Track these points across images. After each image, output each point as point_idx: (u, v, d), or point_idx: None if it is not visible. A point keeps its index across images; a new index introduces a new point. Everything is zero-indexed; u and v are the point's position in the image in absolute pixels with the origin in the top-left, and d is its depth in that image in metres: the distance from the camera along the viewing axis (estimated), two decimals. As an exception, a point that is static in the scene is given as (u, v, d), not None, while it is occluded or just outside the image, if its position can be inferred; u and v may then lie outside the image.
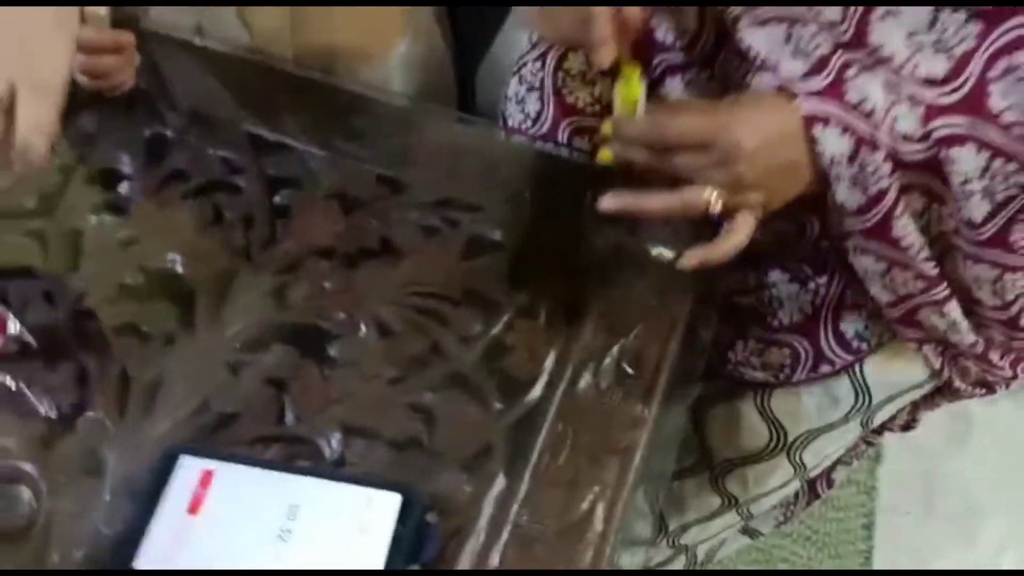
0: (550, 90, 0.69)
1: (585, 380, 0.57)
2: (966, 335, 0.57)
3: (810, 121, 0.49)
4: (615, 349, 0.58)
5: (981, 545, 1.07)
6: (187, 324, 0.59)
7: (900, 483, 1.07)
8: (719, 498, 0.77)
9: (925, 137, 0.49)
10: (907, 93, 0.48)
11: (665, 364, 0.58)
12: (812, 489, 0.90)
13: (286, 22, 0.79)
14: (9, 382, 0.56)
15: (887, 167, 0.50)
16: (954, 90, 0.48)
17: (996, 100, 0.47)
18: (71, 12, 0.59)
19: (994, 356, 0.60)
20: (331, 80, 0.71)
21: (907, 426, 0.75)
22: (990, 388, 0.64)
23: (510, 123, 0.73)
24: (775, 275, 0.65)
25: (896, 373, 0.66)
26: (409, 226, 0.64)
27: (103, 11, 0.62)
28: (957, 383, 0.64)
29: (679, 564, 0.88)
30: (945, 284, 0.55)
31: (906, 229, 0.52)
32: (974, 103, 0.47)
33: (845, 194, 0.51)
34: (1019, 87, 0.46)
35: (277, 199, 0.65)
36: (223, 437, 0.54)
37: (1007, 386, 0.65)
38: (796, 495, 0.87)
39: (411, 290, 0.60)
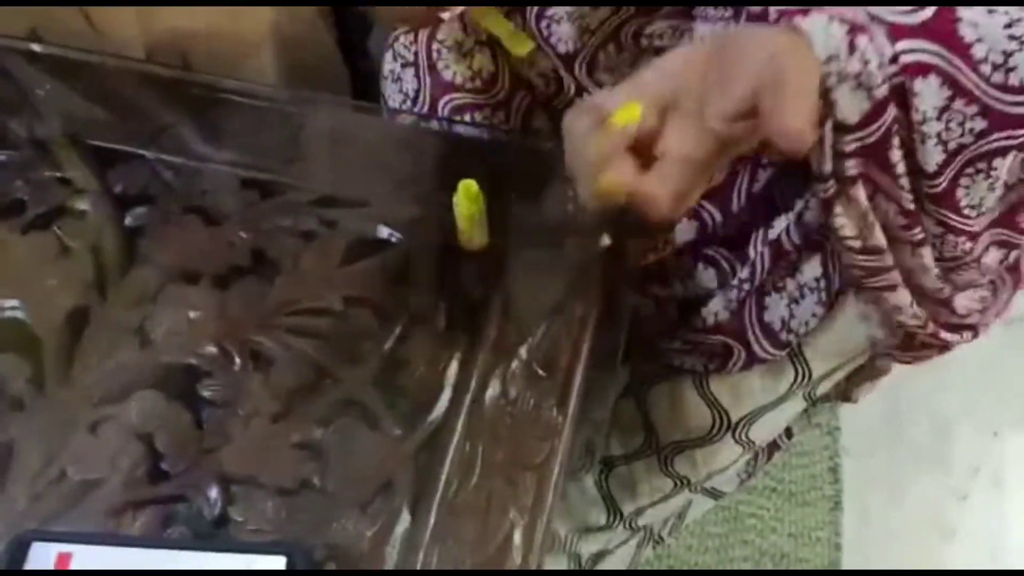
0: (425, 65, 0.62)
1: (492, 389, 0.51)
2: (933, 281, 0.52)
3: (791, 17, 0.41)
4: (523, 349, 0.52)
5: (953, 469, 1.04)
6: (36, 380, 0.51)
7: (864, 418, 1.03)
8: (670, 480, 0.72)
9: (894, 59, 0.42)
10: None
11: (579, 362, 0.52)
12: (772, 444, 0.85)
13: (132, 12, 0.70)
14: None
15: (879, 73, 0.42)
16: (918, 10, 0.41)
17: (967, 30, 0.41)
18: None
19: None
20: (181, 74, 0.63)
21: (846, 397, 0.71)
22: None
23: (391, 104, 0.66)
24: (695, 268, 0.60)
25: (834, 345, 0.61)
26: (283, 234, 0.56)
27: None
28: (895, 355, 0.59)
29: (636, 542, 0.84)
30: (920, 228, 0.49)
31: (897, 154, 0.45)
32: (941, 29, 0.41)
33: (847, 99, 0.42)
34: (992, 20, 0.40)
35: (129, 220, 0.57)
36: (87, 507, 0.48)
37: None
38: (756, 455, 0.83)
39: (290, 308, 0.54)
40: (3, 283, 0.54)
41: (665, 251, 0.62)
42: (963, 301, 0.56)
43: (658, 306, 0.66)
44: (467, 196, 0.51)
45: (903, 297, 0.53)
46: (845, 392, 0.71)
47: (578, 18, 0.54)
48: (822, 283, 0.57)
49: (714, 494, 0.88)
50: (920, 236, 0.50)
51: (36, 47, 0.63)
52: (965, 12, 0.41)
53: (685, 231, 0.60)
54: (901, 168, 0.46)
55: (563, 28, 0.55)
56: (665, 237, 0.61)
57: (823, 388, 0.67)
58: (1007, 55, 0.41)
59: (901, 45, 0.42)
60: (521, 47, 0.45)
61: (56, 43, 0.63)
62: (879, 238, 0.49)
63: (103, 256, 0.55)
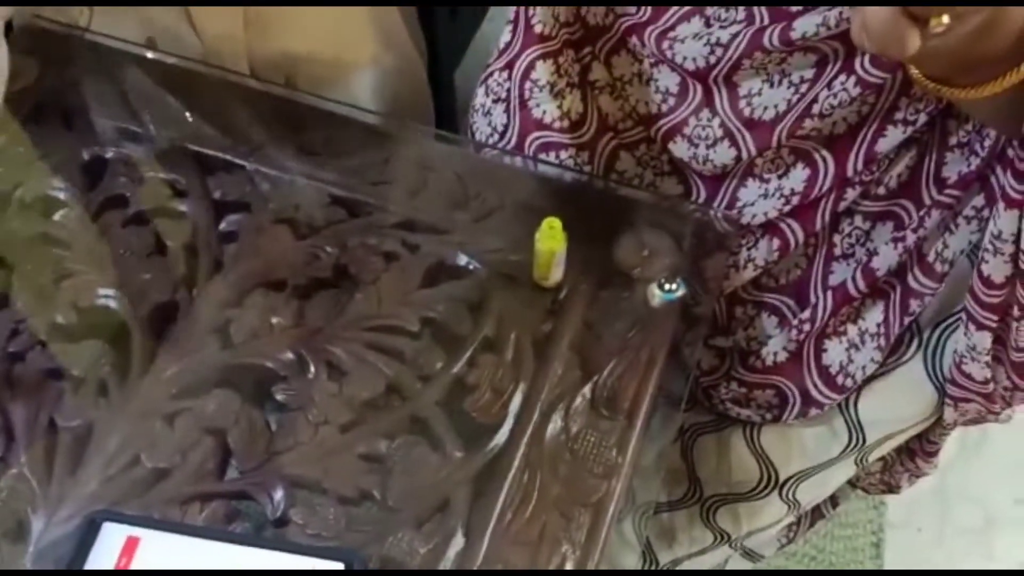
0: (516, 102, 0.64)
1: (554, 423, 0.52)
2: None
3: None
4: (587, 388, 0.53)
5: (999, 560, 1.02)
6: (121, 367, 0.54)
7: (911, 496, 1.01)
8: (711, 533, 0.72)
9: None
10: None
11: (642, 404, 0.52)
12: (816, 511, 0.85)
13: (240, 30, 0.74)
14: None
15: None
16: None
17: None
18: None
19: None
20: (284, 91, 0.66)
21: (890, 488, 0.71)
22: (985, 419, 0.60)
23: (477, 136, 0.68)
24: (757, 313, 0.61)
25: (890, 410, 0.61)
26: (366, 252, 0.58)
27: None
28: (953, 418, 0.59)
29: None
30: None
31: None
32: None
33: None
34: None
35: (223, 225, 0.60)
36: (156, 495, 0.50)
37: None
38: (799, 519, 0.82)
39: (366, 324, 0.55)
40: (101, 271, 0.57)
41: (746, 271, 0.62)
42: None
43: (720, 358, 0.67)
44: (550, 234, 0.52)
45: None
46: (889, 482, 0.70)
47: (705, 35, 0.55)
48: (882, 329, 0.58)
49: (752, 556, 0.87)
50: None
51: (149, 54, 0.67)
52: None
53: (766, 250, 0.60)
54: None
55: (688, 46, 0.56)
56: (747, 256, 0.61)
57: (875, 455, 0.66)
58: None
59: None
60: None
61: (168, 52, 0.67)
62: None
63: (196, 256, 0.58)
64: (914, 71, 0.42)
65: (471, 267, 0.58)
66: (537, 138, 0.65)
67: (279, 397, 0.53)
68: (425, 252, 0.59)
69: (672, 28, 0.57)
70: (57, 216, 0.60)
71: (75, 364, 0.54)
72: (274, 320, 0.55)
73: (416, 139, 0.66)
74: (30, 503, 0.49)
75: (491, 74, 0.69)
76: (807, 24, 0.50)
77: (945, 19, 0.33)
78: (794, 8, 0.51)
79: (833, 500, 0.84)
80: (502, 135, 0.68)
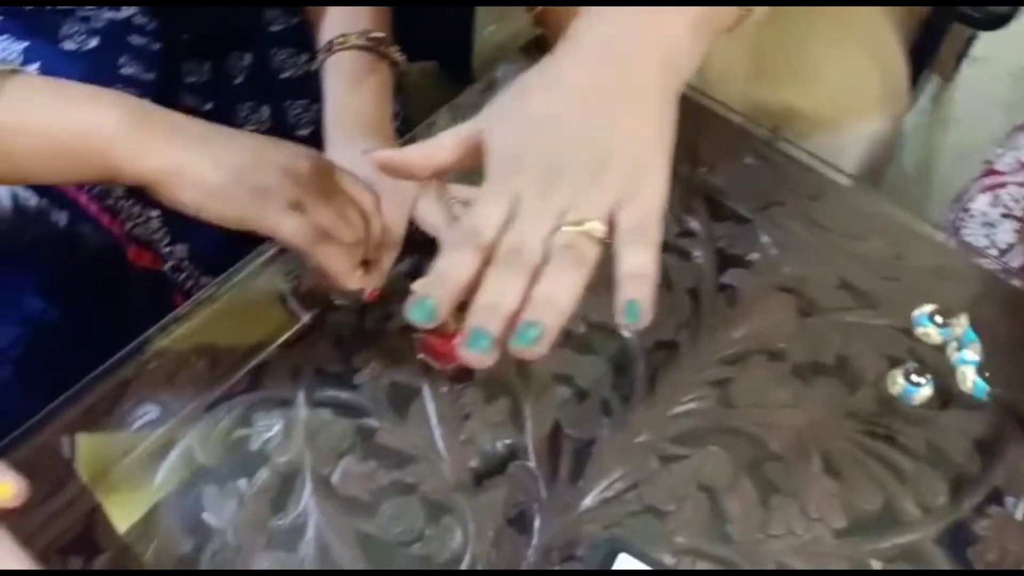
0: None
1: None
2: None
3: None
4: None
5: None
6: (623, 393, 0.56)
7: None
8: None
9: None
10: None
11: None
12: None
13: (741, 75, 0.74)
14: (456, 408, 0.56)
15: None
16: None
17: None
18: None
19: None
20: (806, 156, 0.66)
21: None
22: None
23: (967, 239, 0.65)
24: None
25: None
26: (870, 349, 0.58)
27: None
28: None
29: None
30: None
31: None
32: None
33: None
34: None
35: (724, 278, 0.60)
36: (650, 535, 0.51)
37: None
38: None
39: (867, 428, 0.54)
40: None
41: None
42: None
43: None
44: None
45: None
46: None
47: None
48: None
49: None
50: None
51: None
52: None
53: None
54: None
55: None
56: None
57: None
58: None
59: None
60: None
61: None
62: None
63: (698, 302, 0.59)
64: None
65: (979, 399, 0.56)
66: None
67: (771, 478, 0.53)
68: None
69: None
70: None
71: (580, 375, 0.57)
72: (774, 394, 0.56)
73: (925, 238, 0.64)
74: (536, 500, 0.52)
75: (1003, 184, 0.66)
76: None
77: None
78: None
79: None
80: (1002, 253, 0.65)
